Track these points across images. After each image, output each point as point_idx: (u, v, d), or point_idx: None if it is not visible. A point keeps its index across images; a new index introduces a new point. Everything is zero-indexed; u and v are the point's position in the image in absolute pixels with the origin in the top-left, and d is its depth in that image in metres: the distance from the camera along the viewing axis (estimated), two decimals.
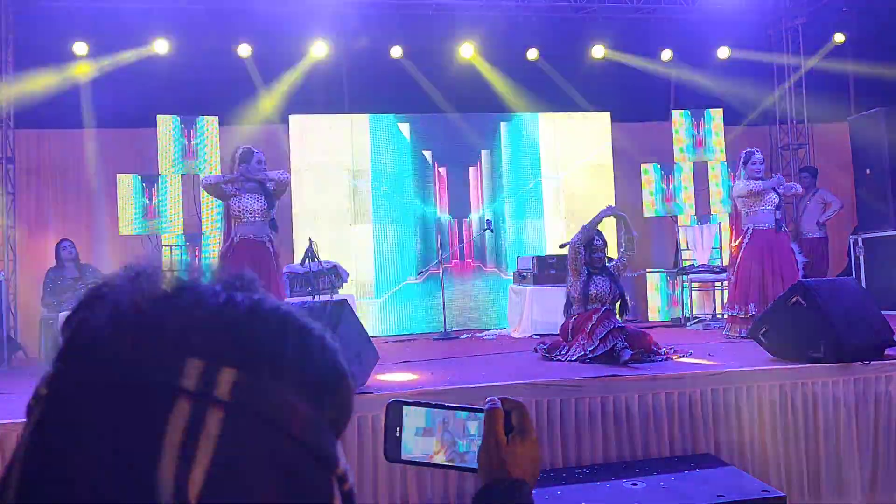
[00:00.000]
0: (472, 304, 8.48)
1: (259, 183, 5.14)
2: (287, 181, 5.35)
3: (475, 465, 0.83)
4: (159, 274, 0.48)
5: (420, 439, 0.85)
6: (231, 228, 5.13)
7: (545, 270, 6.97)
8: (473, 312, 8.39)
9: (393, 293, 8.39)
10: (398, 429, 0.85)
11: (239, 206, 5.04)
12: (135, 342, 0.44)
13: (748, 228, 5.87)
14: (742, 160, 6.00)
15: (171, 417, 0.42)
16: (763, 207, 5.85)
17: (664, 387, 3.72)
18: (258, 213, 5.07)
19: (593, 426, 3.61)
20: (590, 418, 3.62)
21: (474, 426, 0.85)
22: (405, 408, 0.86)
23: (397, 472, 3.35)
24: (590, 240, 5.11)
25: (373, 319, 7.94)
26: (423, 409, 0.86)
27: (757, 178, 5.89)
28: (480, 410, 0.85)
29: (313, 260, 6.31)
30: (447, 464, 0.85)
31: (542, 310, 6.69)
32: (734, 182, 6.16)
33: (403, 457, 0.85)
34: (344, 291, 6.96)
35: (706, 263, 7.70)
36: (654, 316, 8.26)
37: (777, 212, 5.87)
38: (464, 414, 0.86)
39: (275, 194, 5.21)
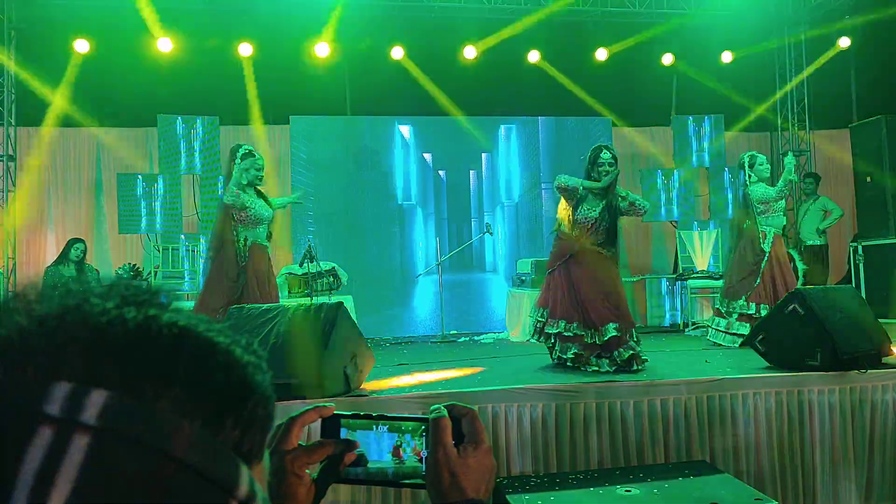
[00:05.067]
0: (471, 308, 8.47)
1: (262, 194, 5.16)
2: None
3: (423, 481, 0.78)
4: (52, 294, 0.46)
5: (356, 459, 0.79)
6: (231, 231, 5.06)
7: (544, 274, 6.96)
8: (471, 315, 8.38)
9: (391, 295, 8.38)
10: None
11: (255, 213, 5.04)
12: (6, 369, 0.42)
13: (769, 230, 5.83)
14: (747, 163, 5.94)
15: (30, 445, 0.40)
16: (779, 212, 5.89)
17: (660, 393, 3.72)
18: (267, 221, 5.12)
19: (588, 432, 3.61)
20: (585, 424, 3.62)
21: (421, 438, 0.79)
22: (342, 421, 0.80)
23: None
24: (595, 156, 4.76)
25: (370, 321, 7.93)
26: (362, 423, 0.80)
27: (765, 179, 5.89)
28: (426, 420, 0.78)
29: (312, 261, 6.31)
30: (392, 480, 0.79)
31: None
32: (748, 186, 6.03)
33: (342, 475, 0.79)
34: (342, 293, 6.96)
35: (705, 269, 7.70)
36: (653, 321, 8.26)
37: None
38: (409, 425, 0.80)
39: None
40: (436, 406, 0.79)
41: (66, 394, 0.41)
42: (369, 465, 0.80)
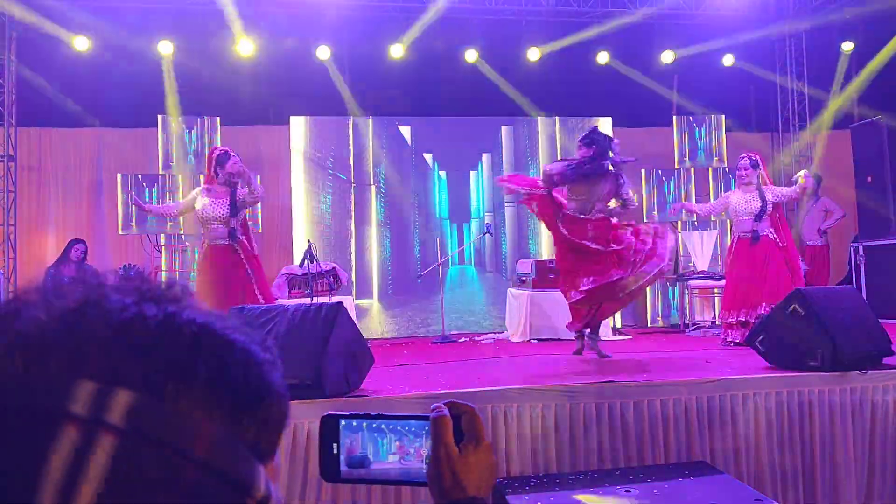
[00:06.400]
0: (471, 308, 8.47)
1: (229, 187, 5.11)
2: (256, 198, 5.34)
3: (424, 479, 0.78)
4: (69, 288, 0.45)
5: (359, 455, 0.79)
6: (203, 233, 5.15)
7: (544, 274, 6.96)
8: (472, 316, 8.38)
9: (392, 296, 8.38)
10: (335, 445, 0.79)
11: (203, 212, 5.04)
12: (27, 365, 0.42)
13: (735, 237, 5.90)
14: (736, 167, 6.02)
15: (56, 445, 0.39)
16: (742, 217, 5.81)
17: (660, 394, 3.71)
18: (221, 220, 5.04)
19: (588, 432, 3.60)
20: (585, 424, 3.61)
21: (421, 436, 0.79)
22: (342, 422, 0.80)
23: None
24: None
25: (371, 322, 7.93)
26: (361, 422, 0.80)
27: (745, 184, 5.82)
28: (427, 418, 0.78)
29: (312, 262, 6.31)
30: (392, 480, 0.79)
31: (541, 314, 6.69)
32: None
33: (343, 476, 0.79)
34: (342, 293, 6.96)
35: (706, 270, 7.69)
36: (653, 321, 8.25)
37: (755, 222, 5.69)
38: (409, 424, 0.79)
39: (242, 204, 5.13)
40: (436, 404, 0.79)
41: (91, 393, 0.41)
42: (372, 466, 0.79)
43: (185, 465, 0.41)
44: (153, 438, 0.41)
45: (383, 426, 0.80)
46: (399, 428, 0.80)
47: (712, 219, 8.48)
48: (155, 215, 5.72)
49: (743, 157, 5.92)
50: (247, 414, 0.46)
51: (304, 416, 3.35)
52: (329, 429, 0.80)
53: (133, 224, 7.65)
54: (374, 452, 0.79)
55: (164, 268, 7.69)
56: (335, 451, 0.79)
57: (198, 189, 5.26)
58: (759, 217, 5.69)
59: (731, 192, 6.11)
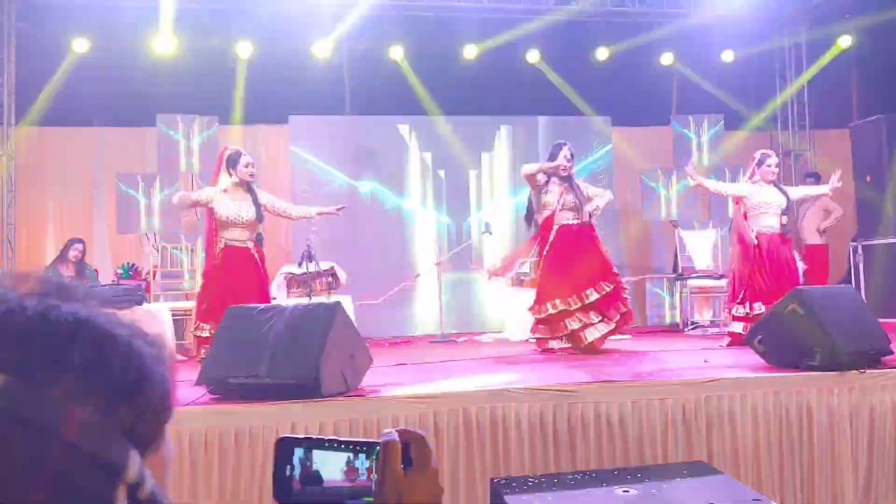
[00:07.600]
0: (470, 307, 8.46)
1: (249, 190, 5.11)
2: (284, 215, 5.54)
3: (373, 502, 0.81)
4: None
5: (312, 478, 0.83)
6: (216, 233, 5.07)
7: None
8: (471, 315, 8.37)
9: (391, 295, 8.36)
10: (288, 468, 0.83)
11: (226, 212, 5.00)
12: None
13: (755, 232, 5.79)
14: (756, 161, 5.88)
15: None
16: (770, 213, 5.78)
17: (658, 393, 3.70)
18: (245, 224, 5.02)
19: (586, 432, 3.60)
20: (582, 424, 3.60)
21: (371, 461, 0.83)
22: (296, 445, 0.83)
23: None
24: (556, 152, 5.45)
25: (370, 321, 7.91)
26: (314, 447, 0.84)
27: (770, 181, 5.82)
28: (377, 444, 0.82)
29: (311, 261, 6.31)
30: (345, 501, 0.83)
31: None
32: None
33: (294, 498, 0.82)
34: (341, 292, 6.95)
35: (704, 269, 7.69)
36: (652, 321, 8.25)
37: (783, 217, 5.75)
38: (359, 448, 0.84)
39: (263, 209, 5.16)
40: (387, 430, 0.83)
41: None
42: (324, 487, 0.83)
43: (52, 445, 0.44)
44: (18, 418, 0.44)
45: (336, 450, 0.83)
46: (351, 452, 0.84)
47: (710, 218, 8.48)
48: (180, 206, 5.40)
49: (772, 155, 5.91)
50: (123, 402, 0.49)
51: (303, 417, 3.34)
52: (284, 452, 0.83)
53: (140, 221, 7.64)
54: (327, 475, 0.83)
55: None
56: (288, 473, 0.83)
57: (214, 189, 5.11)
58: (786, 212, 5.77)
59: (749, 183, 5.91)
